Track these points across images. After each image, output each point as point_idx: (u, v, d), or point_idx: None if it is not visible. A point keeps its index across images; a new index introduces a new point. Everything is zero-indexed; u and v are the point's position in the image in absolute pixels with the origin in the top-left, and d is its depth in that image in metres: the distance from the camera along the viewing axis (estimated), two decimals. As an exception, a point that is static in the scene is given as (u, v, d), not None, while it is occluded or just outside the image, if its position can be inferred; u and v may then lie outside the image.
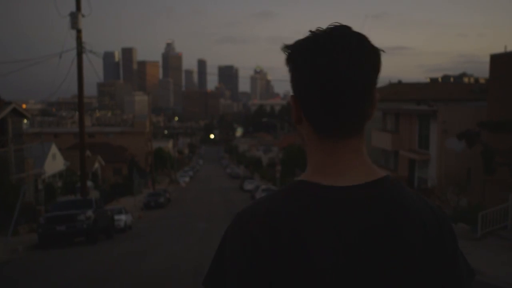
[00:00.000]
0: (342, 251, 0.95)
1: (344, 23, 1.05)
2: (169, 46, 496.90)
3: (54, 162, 39.81)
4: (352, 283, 0.95)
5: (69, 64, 21.74)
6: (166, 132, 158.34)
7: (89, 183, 36.38)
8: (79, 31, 20.42)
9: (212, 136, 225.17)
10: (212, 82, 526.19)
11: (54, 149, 40.14)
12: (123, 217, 23.82)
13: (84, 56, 20.80)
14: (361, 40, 1.03)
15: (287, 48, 1.07)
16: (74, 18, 20.25)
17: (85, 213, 16.14)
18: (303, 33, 1.07)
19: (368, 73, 1.02)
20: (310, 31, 1.06)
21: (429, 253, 1.00)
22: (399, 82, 42.07)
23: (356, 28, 1.05)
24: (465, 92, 36.78)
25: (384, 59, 1.05)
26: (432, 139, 26.09)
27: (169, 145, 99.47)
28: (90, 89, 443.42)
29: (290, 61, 1.06)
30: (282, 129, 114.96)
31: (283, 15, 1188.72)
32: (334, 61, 0.98)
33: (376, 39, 1.04)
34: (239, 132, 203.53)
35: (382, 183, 1.03)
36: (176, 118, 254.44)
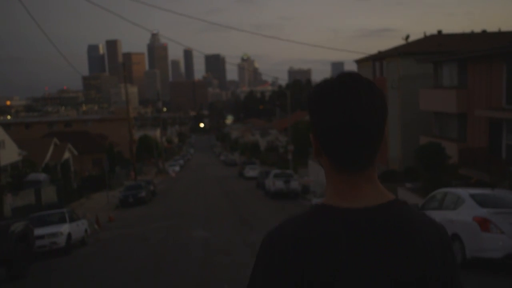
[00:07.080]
0: (358, 261, 1.12)
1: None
2: (154, 36, 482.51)
3: (4, 152, 30.65)
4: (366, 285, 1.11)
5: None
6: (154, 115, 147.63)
7: (43, 176, 27.61)
8: None
9: (202, 125, 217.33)
10: (199, 72, 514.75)
11: (2, 134, 30.89)
12: (65, 228, 14.60)
13: None
14: (370, 86, 1.19)
15: (307, 96, 1.24)
16: None
17: None
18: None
19: (379, 116, 1.17)
20: (324, 79, 1.22)
21: (432, 266, 1.16)
22: (439, 33, 33.42)
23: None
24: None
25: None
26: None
27: (156, 133, 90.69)
28: (75, 83, 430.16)
29: (309, 105, 1.22)
30: (274, 114, 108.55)
31: (265, 1, 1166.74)
32: (347, 107, 1.15)
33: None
34: (229, 119, 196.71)
35: (392, 204, 1.20)
36: (165, 109, 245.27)
